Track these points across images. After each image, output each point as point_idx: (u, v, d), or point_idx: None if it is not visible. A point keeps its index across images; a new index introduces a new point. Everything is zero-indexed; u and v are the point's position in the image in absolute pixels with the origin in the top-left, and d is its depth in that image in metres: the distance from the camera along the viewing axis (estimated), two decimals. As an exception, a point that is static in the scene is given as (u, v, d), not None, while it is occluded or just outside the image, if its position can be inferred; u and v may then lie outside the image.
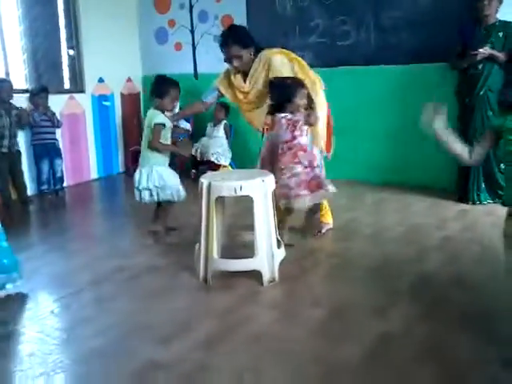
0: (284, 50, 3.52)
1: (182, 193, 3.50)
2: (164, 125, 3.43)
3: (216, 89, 3.70)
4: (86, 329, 2.34)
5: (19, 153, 4.73)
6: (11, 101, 4.61)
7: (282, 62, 3.35)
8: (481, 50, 4.04)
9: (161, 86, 3.49)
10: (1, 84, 4.54)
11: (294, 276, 2.86)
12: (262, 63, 3.39)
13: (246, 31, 3.60)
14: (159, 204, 3.63)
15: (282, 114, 3.13)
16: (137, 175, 3.52)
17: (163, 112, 3.49)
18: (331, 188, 3.13)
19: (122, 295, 2.71)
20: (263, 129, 3.49)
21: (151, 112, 3.48)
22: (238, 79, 3.52)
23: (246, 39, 3.43)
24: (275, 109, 3.18)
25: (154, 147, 3.43)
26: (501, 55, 4.04)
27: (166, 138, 3.50)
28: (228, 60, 3.45)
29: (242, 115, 3.76)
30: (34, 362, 2.07)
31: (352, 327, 2.30)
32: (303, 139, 3.15)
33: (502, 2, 4.10)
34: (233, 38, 3.40)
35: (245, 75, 3.49)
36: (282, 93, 3.12)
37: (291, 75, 3.29)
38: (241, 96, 3.56)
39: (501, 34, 4.09)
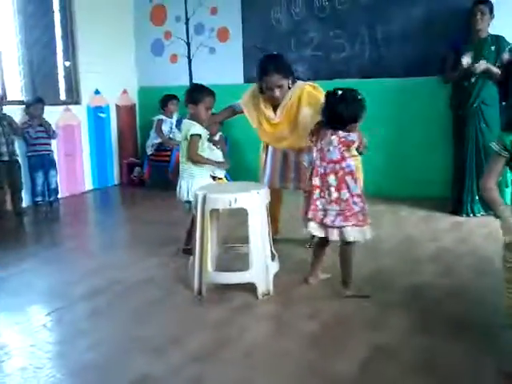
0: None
1: None
2: (200, 135, 3.32)
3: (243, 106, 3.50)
4: (79, 342, 2.33)
5: (18, 162, 4.73)
6: (3, 111, 4.62)
7: (316, 91, 3.23)
8: (476, 64, 4.08)
9: (196, 94, 3.36)
10: None
11: (288, 289, 2.85)
12: (297, 94, 3.22)
13: (288, 61, 3.39)
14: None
15: (337, 132, 2.68)
16: (178, 188, 3.39)
17: (199, 122, 3.35)
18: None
19: (116, 308, 2.70)
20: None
21: (186, 123, 3.37)
22: (268, 110, 3.31)
23: (289, 69, 3.25)
24: (330, 123, 2.70)
25: (193, 159, 3.32)
26: (496, 70, 4.08)
27: (203, 148, 3.38)
28: (268, 89, 3.20)
29: (261, 135, 3.50)
30: (27, 376, 2.05)
31: (346, 340, 2.30)
32: (353, 162, 2.75)
33: (494, 17, 4.15)
34: (276, 67, 3.16)
35: (273, 106, 3.30)
36: (352, 109, 2.68)
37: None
38: (267, 126, 3.36)
39: (493, 48, 4.14)
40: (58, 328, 2.52)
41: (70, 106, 5.64)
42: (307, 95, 3.20)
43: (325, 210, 2.68)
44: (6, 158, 4.53)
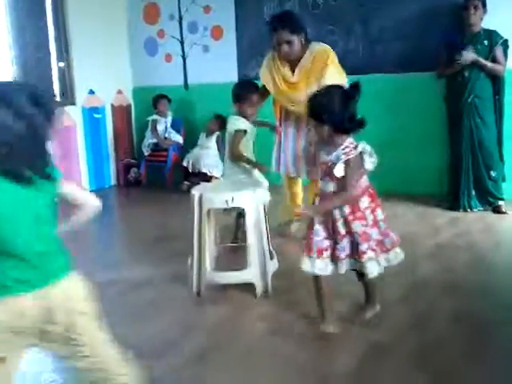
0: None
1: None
2: (245, 131, 3.27)
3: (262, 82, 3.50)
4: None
5: None
6: None
7: (336, 60, 3.26)
8: (464, 52, 4.07)
9: (241, 91, 3.32)
10: None
11: (286, 288, 2.86)
12: (318, 57, 3.23)
13: (298, 17, 3.39)
14: (240, 215, 3.33)
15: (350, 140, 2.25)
16: None
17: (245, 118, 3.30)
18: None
19: (114, 309, 2.68)
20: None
21: (232, 118, 3.34)
22: (285, 69, 3.34)
23: (298, 25, 3.23)
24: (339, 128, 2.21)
25: (235, 155, 3.26)
26: (486, 62, 4.08)
27: (249, 145, 3.35)
28: (277, 45, 3.22)
29: (277, 97, 3.50)
30: (25, 382, 2.05)
31: (344, 337, 2.30)
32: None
33: (487, 12, 4.15)
34: (283, 23, 3.19)
35: (291, 66, 3.32)
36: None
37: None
38: (284, 86, 3.36)
39: (486, 43, 4.14)
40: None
41: (65, 107, 5.61)
42: (331, 56, 3.23)
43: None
44: None
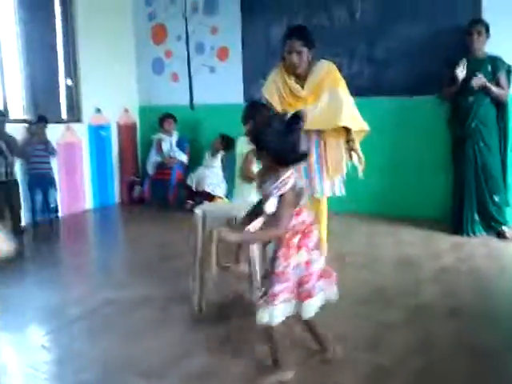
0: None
1: None
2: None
3: (267, 100, 3.48)
4: (76, 363, 2.31)
5: (16, 182, 4.72)
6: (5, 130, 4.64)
7: (338, 73, 3.39)
8: (475, 78, 4.11)
9: (255, 111, 3.18)
10: None
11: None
12: (329, 69, 3.37)
13: (312, 34, 3.44)
14: None
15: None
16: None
17: None
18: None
19: (114, 328, 2.68)
20: None
21: (240, 140, 3.30)
22: (294, 84, 3.38)
23: (311, 40, 3.34)
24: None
25: (247, 176, 3.12)
26: (493, 87, 4.11)
27: (258, 166, 3.32)
28: (287, 54, 3.30)
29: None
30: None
31: (345, 359, 2.28)
32: None
33: (489, 37, 4.20)
34: (299, 33, 3.33)
35: (297, 80, 3.39)
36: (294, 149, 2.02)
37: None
38: (292, 101, 3.38)
39: (489, 68, 4.17)
40: (55, 348, 2.50)
41: (72, 125, 5.66)
42: (336, 78, 3.35)
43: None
44: (3, 179, 4.51)
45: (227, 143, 5.63)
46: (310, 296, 2.08)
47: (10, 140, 4.63)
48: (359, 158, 3.47)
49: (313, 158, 3.49)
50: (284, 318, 2.07)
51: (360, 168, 3.49)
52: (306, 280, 2.08)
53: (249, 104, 3.42)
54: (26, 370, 2.27)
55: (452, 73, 4.24)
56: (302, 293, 2.08)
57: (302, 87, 3.39)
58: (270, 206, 1.99)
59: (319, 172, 3.50)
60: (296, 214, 2.05)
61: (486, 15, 4.36)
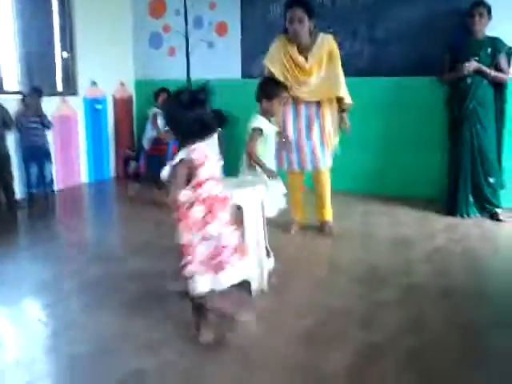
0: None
1: (271, 209, 3.05)
2: (261, 130, 3.11)
3: (268, 69, 3.59)
4: (72, 337, 2.33)
5: (8, 155, 4.69)
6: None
7: (337, 47, 3.56)
8: (466, 63, 4.10)
9: (271, 88, 3.17)
10: None
11: (282, 286, 2.87)
12: (326, 44, 3.51)
13: (313, 4, 3.64)
14: None
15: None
16: None
17: (267, 117, 3.18)
18: None
19: (109, 302, 2.70)
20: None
21: (256, 117, 3.18)
22: (299, 56, 3.51)
23: (311, 9, 3.47)
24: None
25: (247, 152, 3.15)
26: (489, 70, 4.10)
27: (265, 145, 3.16)
28: (289, 23, 3.44)
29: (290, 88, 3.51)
30: (20, 370, 2.06)
31: (339, 337, 2.32)
32: None
33: (491, 19, 4.16)
34: (299, 2, 3.43)
35: (300, 51, 3.52)
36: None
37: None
38: (298, 73, 3.52)
39: (489, 50, 4.16)
40: (51, 321, 2.52)
41: (67, 97, 5.61)
42: (336, 55, 3.55)
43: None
44: None
45: (221, 119, 5.61)
46: (221, 269, 2.10)
47: (2, 112, 4.59)
48: (347, 126, 3.77)
49: (315, 131, 3.66)
50: (207, 290, 2.11)
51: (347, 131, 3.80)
52: (217, 253, 2.11)
53: (266, 80, 3.34)
54: (22, 342, 2.30)
55: (453, 59, 4.23)
56: (214, 266, 2.11)
57: (306, 58, 3.50)
58: (163, 174, 2.10)
59: (322, 145, 3.68)
60: (196, 185, 2.07)
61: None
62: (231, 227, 2.18)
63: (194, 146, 2.08)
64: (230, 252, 2.14)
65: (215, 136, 5.98)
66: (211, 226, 2.10)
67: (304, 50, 3.51)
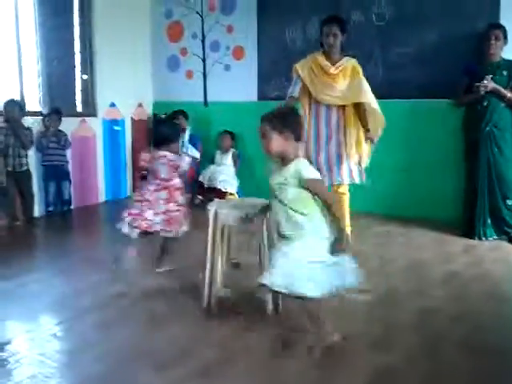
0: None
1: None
2: None
3: (296, 75, 3.90)
4: (87, 353, 2.34)
5: (28, 172, 4.80)
6: (22, 121, 4.73)
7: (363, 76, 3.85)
8: (483, 82, 4.10)
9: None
10: (10, 105, 4.66)
11: (297, 307, 2.85)
12: (351, 64, 3.86)
13: (346, 21, 4.04)
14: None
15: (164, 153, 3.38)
16: None
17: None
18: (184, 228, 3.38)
19: (124, 320, 2.71)
20: None
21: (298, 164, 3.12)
22: (323, 61, 3.84)
23: (345, 27, 3.87)
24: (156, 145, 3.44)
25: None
26: (505, 92, 4.10)
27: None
28: (325, 37, 3.81)
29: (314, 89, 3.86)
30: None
31: (353, 359, 2.29)
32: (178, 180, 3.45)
33: (507, 43, 4.18)
34: (336, 19, 3.86)
35: (329, 61, 3.85)
36: (167, 132, 3.44)
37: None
38: (323, 77, 3.83)
39: (505, 73, 4.16)
40: (67, 338, 2.54)
41: (86, 118, 5.72)
42: (359, 75, 3.85)
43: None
44: (10, 169, 4.62)
45: (233, 139, 5.69)
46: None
47: (25, 132, 4.72)
48: (369, 148, 3.94)
49: (333, 145, 3.86)
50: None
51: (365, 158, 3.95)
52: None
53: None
54: (37, 358, 2.31)
55: (469, 82, 4.24)
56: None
57: (332, 65, 3.84)
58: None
59: (338, 158, 3.86)
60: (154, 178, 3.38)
61: (504, 21, 4.34)
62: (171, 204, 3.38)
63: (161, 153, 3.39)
64: (157, 216, 3.36)
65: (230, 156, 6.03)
66: (159, 196, 3.39)
67: (332, 61, 3.84)
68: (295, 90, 3.88)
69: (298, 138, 2.37)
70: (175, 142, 3.45)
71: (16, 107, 4.69)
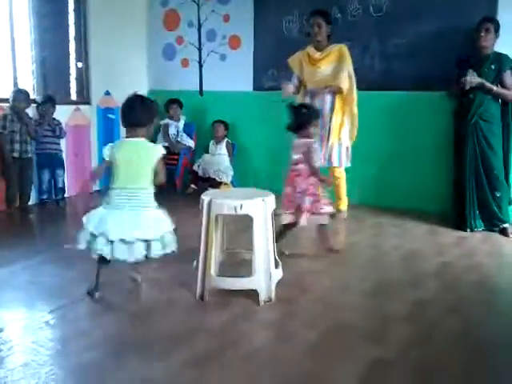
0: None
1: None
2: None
3: (291, 69, 4.53)
4: (81, 341, 2.34)
5: (30, 160, 4.81)
6: (27, 110, 4.74)
7: (348, 54, 4.30)
8: (467, 78, 4.11)
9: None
10: (16, 94, 4.65)
11: (290, 297, 2.86)
12: (336, 48, 4.31)
13: (331, 15, 4.59)
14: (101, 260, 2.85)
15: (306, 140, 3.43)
16: None
17: None
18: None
19: (118, 309, 2.72)
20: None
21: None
22: (312, 49, 4.38)
23: (329, 18, 4.39)
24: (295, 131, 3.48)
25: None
26: (491, 86, 4.09)
27: None
28: (311, 28, 4.32)
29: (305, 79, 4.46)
30: (27, 373, 2.07)
31: (345, 350, 2.31)
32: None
33: (499, 36, 4.17)
34: (320, 12, 4.37)
35: (315, 49, 4.37)
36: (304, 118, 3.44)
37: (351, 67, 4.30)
38: (309, 64, 4.38)
39: (493, 66, 4.16)
40: (60, 326, 2.54)
41: (81, 106, 5.68)
42: (345, 56, 4.30)
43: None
44: (16, 155, 4.62)
45: (225, 127, 5.69)
46: None
47: (31, 121, 4.73)
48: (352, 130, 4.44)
49: (325, 133, 4.33)
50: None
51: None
52: None
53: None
54: (30, 345, 2.31)
55: (460, 72, 4.24)
56: None
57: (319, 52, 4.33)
58: None
59: (327, 144, 4.35)
60: None
61: (502, 14, 4.34)
62: None
63: None
64: None
65: (224, 146, 6.03)
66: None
67: (319, 49, 4.34)
68: (293, 80, 4.52)
69: None
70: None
71: (22, 96, 4.69)
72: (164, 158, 3.03)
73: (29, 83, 5.26)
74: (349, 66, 4.28)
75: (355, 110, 4.35)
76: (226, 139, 5.75)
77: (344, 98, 4.32)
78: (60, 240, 4.05)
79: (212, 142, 5.79)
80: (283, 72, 5.50)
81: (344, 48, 4.30)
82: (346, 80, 4.25)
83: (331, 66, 4.29)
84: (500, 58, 4.17)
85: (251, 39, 5.73)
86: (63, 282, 3.07)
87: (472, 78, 4.12)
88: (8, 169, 4.63)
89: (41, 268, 3.33)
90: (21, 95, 4.69)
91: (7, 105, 4.71)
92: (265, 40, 5.66)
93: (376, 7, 5.03)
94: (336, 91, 4.28)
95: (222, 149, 5.71)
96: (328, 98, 4.33)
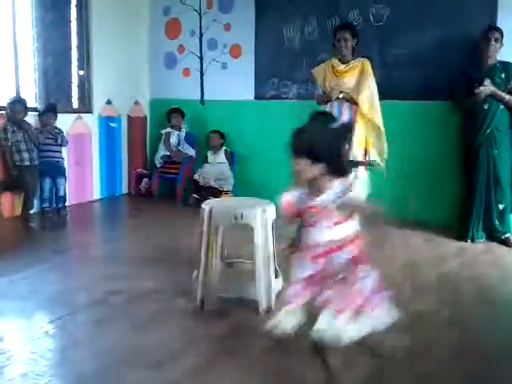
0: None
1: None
2: None
3: (315, 79, 4.54)
4: (80, 352, 2.34)
5: (36, 167, 4.84)
6: (25, 118, 4.76)
7: (370, 69, 4.28)
8: (481, 87, 4.10)
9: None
10: (15, 104, 4.67)
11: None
12: (360, 62, 4.30)
13: (356, 28, 4.53)
14: None
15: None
16: None
17: None
18: None
19: (117, 319, 2.71)
20: None
21: None
22: (336, 61, 4.35)
23: (355, 32, 4.36)
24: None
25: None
26: (504, 95, 4.10)
27: None
28: (337, 42, 4.30)
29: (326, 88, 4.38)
30: (26, 383, 2.06)
31: (345, 360, 2.29)
32: None
33: (503, 45, 4.18)
34: (347, 25, 4.46)
35: (340, 62, 4.35)
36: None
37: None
38: (332, 74, 4.35)
39: (503, 76, 4.16)
40: (59, 336, 2.53)
41: (82, 115, 5.70)
42: (367, 71, 4.28)
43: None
44: (28, 163, 4.66)
45: (221, 136, 5.70)
46: None
47: (29, 128, 4.75)
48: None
49: None
50: None
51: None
52: None
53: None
54: (29, 356, 2.30)
55: (468, 85, 4.22)
56: None
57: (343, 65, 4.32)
58: None
59: None
60: None
61: (501, 24, 4.34)
62: None
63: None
64: None
65: (223, 154, 6.02)
66: None
67: (344, 62, 4.33)
68: (320, 91, 4.51)
69: None
70: None
71: (21, 106, 4.71)
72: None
73: (31, 91, 5.29)
74: (370, 83, 4.24)
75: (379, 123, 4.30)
76: (223, 148, 5.76)
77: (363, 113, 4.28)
78: (60, 249, 4.06)
79: (210, 152, 5.79)
80: (284, 81, 5.51)
81: (366, 62, 4.29)
82: (367, 100, 4.23)
83: (354, 78, 4.28)
84: (508, 66, 4.17)
85: (252, 48, 5.75)
86: (63, 292, 3.06)
87: (488, 87, 4.10)
88: (21, 178, 4.68)
89: (40, 277, 3.32)
90: (18, 105, 4.71)
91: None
92: (266, 49, 5.68)
93: (376, 17, 5.04)
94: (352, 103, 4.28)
95: (221, 157, 5.72)
96: (346, 109, 4.30)
